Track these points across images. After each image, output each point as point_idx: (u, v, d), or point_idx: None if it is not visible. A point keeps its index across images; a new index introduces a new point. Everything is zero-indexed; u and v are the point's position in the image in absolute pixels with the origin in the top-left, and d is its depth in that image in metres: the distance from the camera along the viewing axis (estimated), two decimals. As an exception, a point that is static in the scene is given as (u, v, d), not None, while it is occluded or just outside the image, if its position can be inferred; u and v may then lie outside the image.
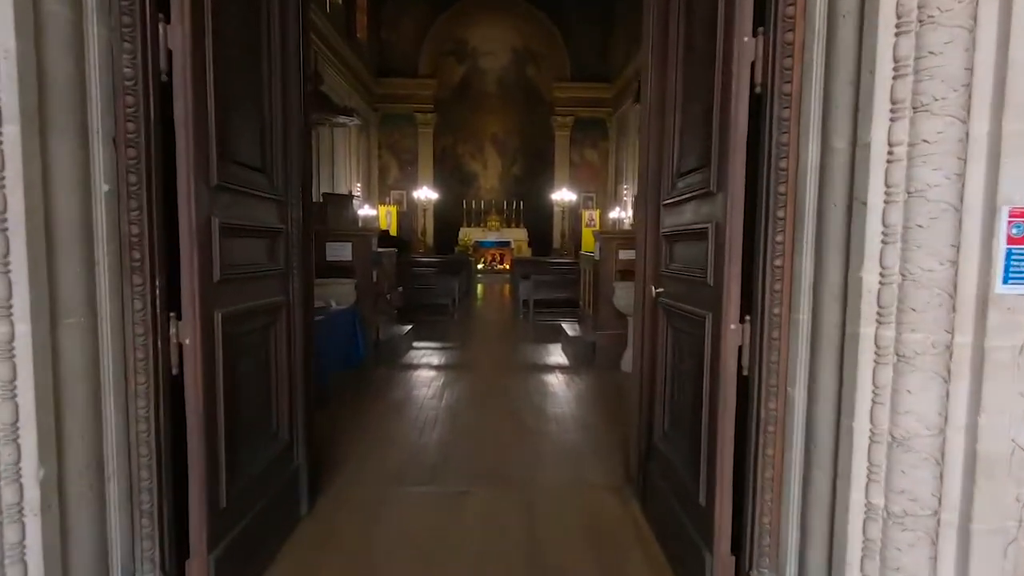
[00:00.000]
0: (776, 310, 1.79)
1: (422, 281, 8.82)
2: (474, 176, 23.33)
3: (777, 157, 1.76)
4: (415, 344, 6.85)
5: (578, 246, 20.03)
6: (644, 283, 2.71)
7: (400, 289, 7.15)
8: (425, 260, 15.08)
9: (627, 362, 5.47)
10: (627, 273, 5.78)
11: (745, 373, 1.90)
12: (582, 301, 7.27)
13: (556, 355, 6.41)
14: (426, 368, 5.74)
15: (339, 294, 5.23)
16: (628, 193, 18.37)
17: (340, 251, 5.74)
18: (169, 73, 1.73)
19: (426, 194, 19.15)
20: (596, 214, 19.69)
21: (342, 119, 13.57)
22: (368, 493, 2.92)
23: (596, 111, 20.98)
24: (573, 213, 20.34)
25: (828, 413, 1.65)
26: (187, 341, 1.80)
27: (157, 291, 1.76)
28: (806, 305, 1.74)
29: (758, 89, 1.81)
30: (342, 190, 15.31)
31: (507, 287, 15.00)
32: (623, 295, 5.36)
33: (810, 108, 1.68)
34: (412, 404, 4.44)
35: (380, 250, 6.61)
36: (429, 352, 6.48)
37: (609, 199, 20.69)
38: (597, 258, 5.83)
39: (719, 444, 1.90)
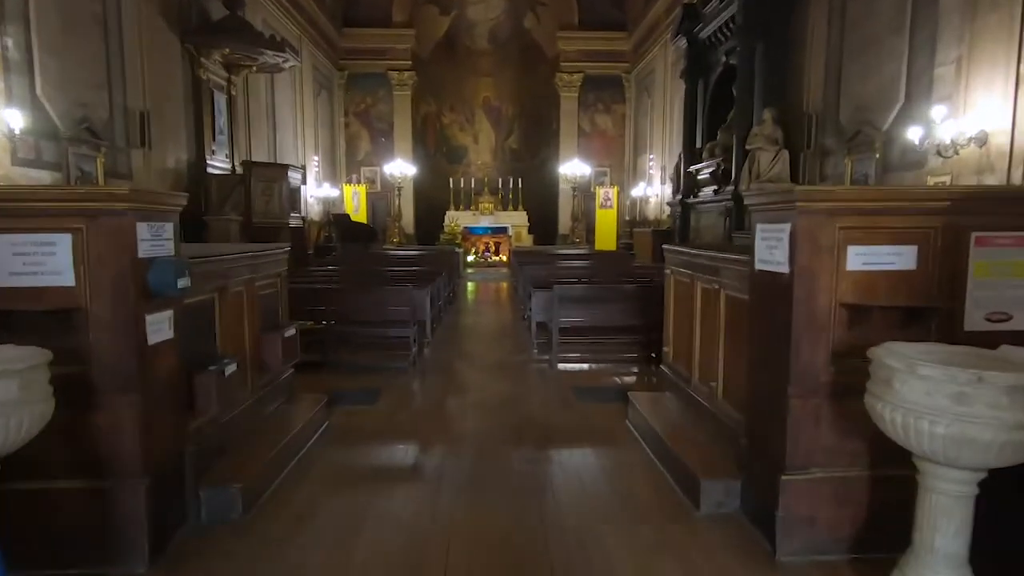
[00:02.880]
0: None
1: (360, 303, 4.96)
2: (463, 150, 19.60)
3: None
4: (314, 468, 3.04)
5: (591, 231, 16.22)
6: None
7: (292, 332, 3.35)
8: (393, 254, 11.17)
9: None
10: (874, 315, 1.98)
11: None
12: (675, 355, 3.44)
13: (641, 510, 2.60)
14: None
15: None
16: (654, 165, 14.54)
17: (32, 260, 1.92)
18: None
19: (401, 168, 15.12)
20: (614, 192, 15.80)
21: (271, 56, 9.69)
22: None
23: (610, 66, 17.04)
24: (584, 192, 16.40)
25: None
26: None
27: None
28: None
29: None
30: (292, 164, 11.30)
31: (504, 287, 11.09)
32: (928, 390, 1.57)
33: None
34: None
35: (206, 251, 2.80)
36: (326, 503, 2.67)
37: (627, 174, 16.83)
38: (784, 269, 2.04)
39: None
